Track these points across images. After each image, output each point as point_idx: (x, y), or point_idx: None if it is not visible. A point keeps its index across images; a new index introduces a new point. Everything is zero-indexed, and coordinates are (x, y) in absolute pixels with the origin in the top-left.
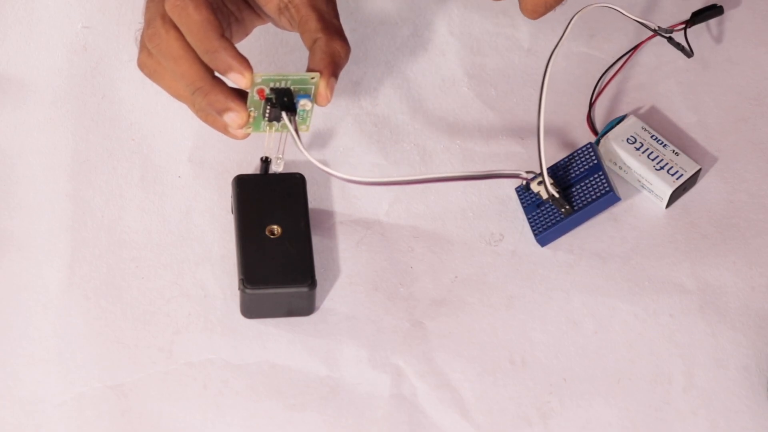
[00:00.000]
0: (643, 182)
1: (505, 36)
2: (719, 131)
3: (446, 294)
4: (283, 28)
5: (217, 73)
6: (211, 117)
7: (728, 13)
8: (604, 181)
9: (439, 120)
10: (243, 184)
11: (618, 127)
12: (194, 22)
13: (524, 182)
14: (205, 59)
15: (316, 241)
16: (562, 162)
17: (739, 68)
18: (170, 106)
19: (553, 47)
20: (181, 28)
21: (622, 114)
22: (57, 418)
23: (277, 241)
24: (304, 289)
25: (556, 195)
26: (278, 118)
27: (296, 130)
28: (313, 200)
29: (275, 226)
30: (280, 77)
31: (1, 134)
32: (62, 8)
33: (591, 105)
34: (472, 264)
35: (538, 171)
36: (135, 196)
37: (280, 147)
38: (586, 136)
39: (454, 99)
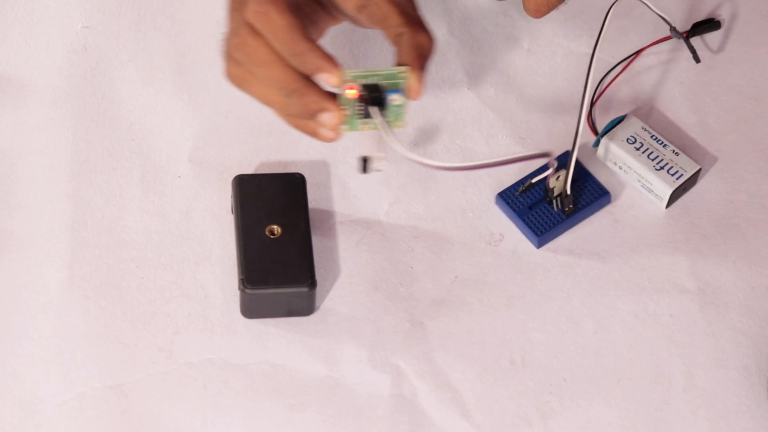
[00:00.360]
0: (643, 182)
1: (505, 36)
2: (719, 131)
3: (446, 294)
4: (362, 26)
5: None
6: (302, 121)
7: (728, 14)
8: (595, 183)
9: (439, 120)
10: (243, 184)
11: (618, 127)
12: (279, 27)
13: (546, 175)
14: (294, 62)
15: (316, 241)
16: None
17: (739, 68)
18: (170, 106)
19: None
20: (266, 35)
21: (622, 114)
22: (57, 418)
23: (277, 241)
24: (304, 289)
25: (569, 192)
26: (370, 115)
27: (387, 125)
28: (313, 200)
29: (275, 226)
30: (369, 73)
31: (1, 134)
32: (62, 8)
33: (592, 105)
34: (472, 264)
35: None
36: (135, 196)
37: (378, 145)
38: (586, 136)
39: (454, 99)
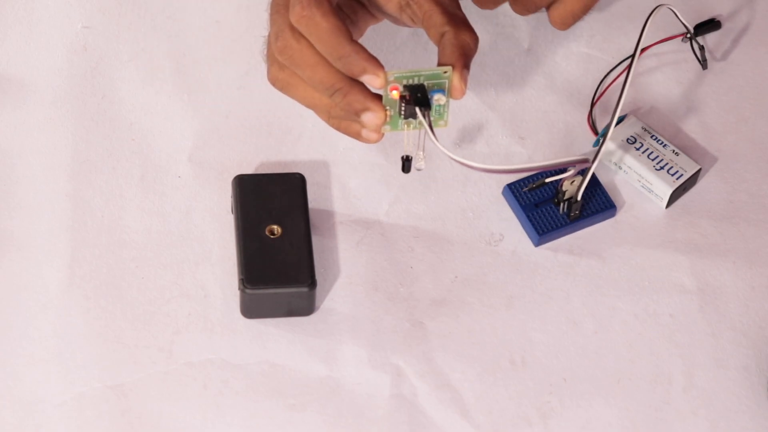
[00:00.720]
0: (643, 182)
1: (505, 36)
2: (719, 131)
3: (446, 294)
4: (404, 25)
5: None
6: (345, 123)
7: (728, 14)
8: (604, 195)
9: None
10: (243, 184)
11: (618, 127)
12: (323, 30)
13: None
14: (338, 65)
15: (316, 241)
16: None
17: (739, 68)
18: (170, 106)
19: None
20: (310, 37)
21: (622, 114)
22: (57, 418)
23: (277, 241)
24: (304, 289)
25: (579, 198)
26: (414, 115)
27: (430, 126)
28: (313, 200)
29: (275, 226)
30: (413, 74)
31: (1, 134)
32: (62, 8)
33: (592, 105)
34: (472, 264)
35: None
36: (135, 196)
37: (420, 144)
38: (586, 136)
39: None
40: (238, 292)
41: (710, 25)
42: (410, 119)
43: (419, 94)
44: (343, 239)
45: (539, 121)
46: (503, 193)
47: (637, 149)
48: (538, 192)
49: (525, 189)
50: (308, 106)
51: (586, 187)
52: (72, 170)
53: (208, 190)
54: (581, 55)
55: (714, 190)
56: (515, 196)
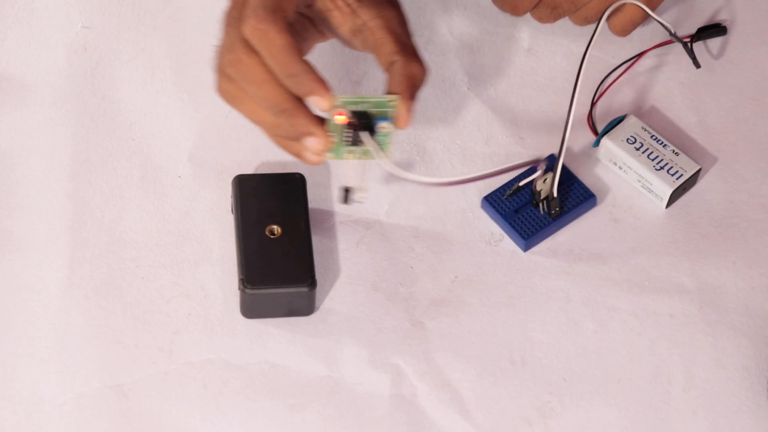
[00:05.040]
0: (643, 182)
1: (505, 36)
2: (719, 131)
3: (446, 294)
4: (354, 49)
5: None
6: (288, 142)
7: (729, 15)
8: (581, 186)
9: (439, 120)
10: (243, 184)
11: (618, 127)
12: (276, 47)
13: (533, 178)
14: (287, 83)
15: (316, 241)
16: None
17: (739, 68)
18: (170, 106)
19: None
20: (262, 52)
21: (622, 114)
22: (57, 418)
23: (277, 241)
24: (304, 289)
25: (555, 195)
26: (357, 142)
27: (377, 146)
28: (313, 200)
29: (275, 226)
30: (359, 100)
31: (1, 134)
32: (62, 8)
33: (592, 105)
34: (472, 264)
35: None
36: (135, 196)
37: (362, 176)
38: (586, 136)
39: (454, 99)
40: (238, 292)
41: (715, 30)
42: (353, 148)
43: (364, 120)
44: (343, 239)
45: (539, 121)
46: (482, 206)
47: (637, 149)
48: (516, 198)
49: (504, 197)
50: (254, 121)
51: (561, 183)
52: (72, 170)
53: (208, 190)
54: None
55: (714, 190)
56: (494, 207)
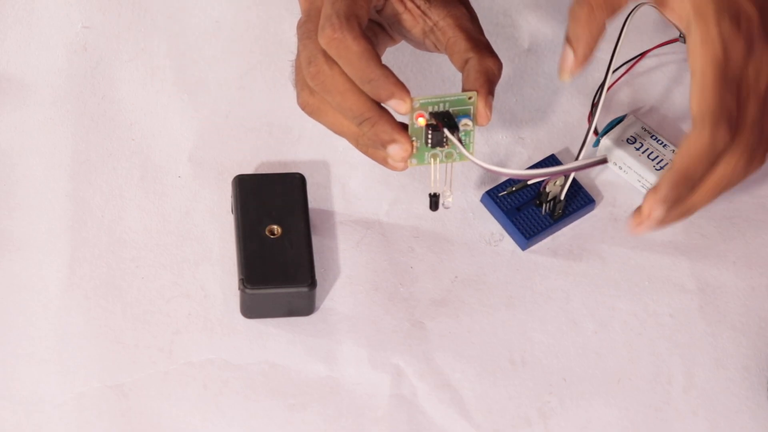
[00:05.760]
0: (643, 182)
1: (505, 36)
2: None
3: (446, 294)
4: (426, 50)
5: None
6: (373, 150)
7: None
8: (583, 191)
9: None
10: (243, 184)
11: (618, 127)
12: (354, 54)
13: (545, 181)
14: (366, 88)
15: (316, 241)
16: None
17: None
18: (170, 106)
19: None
20: (340, 60)
21: (622, 114)
22: (57, 418)
23: (277, 241)
24: (304, 289)
25: (562, 198)
26: (441, 143)
27: (460, 141)
28: (313, 200)
29: (275, 226)
30: (438, 99)
31: (1, 134)
32: (62, 8)
33: (593, 105)
34: (472, 264)
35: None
36: (135, 196)
37: (447, 180)
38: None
39: None
40: (238, 292)
41: None
42: (437, 151)
43: (446, 119)
44: (343, 239)
45: (539, 121)
46: (482, 200)
47: (637, 149)
48: (517, 195)
49: (502, 193)
50: (337, 132)
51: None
52: (72, 170)
53: (208, 190)
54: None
55: None
56: (496, 202)
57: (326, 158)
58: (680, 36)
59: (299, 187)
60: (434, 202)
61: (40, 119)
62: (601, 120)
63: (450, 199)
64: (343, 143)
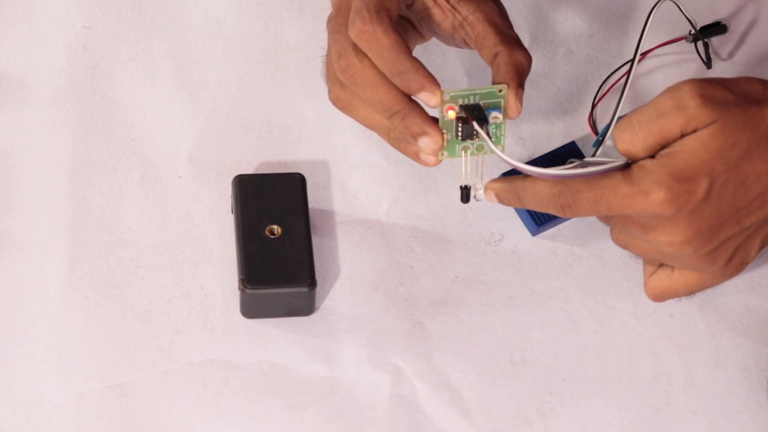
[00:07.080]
0: None
1: None
2: None
3: (446, 294)
4: (455, 46)
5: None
6: (404, 144)
7: (732, 14)
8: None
9: None
10: (243, 184)
11: None
12: (384, 46)
13: None
14: (396, 81)
15: (316, 241)
16: (546, 156)
17: (742, 69)
18: (170, 106)
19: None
20: (370, 53)
21: (622, 114)
22: (57, 418)
23: (277, 241)
24: (304, 289)
25: None
26: (471, 136)
27: (488, 134)
28: (313, 200)
29: (275, 226)
30: (468, 92)
31: (1, 134)
32: (62, 8)
33: (593, 105)
34: (472, 264)
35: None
36: (135, 196)
37: (477, 172)
38: (587, 137)
39: None
40: (238, 292)
41: (716, 28)
42: (467, 143)
43: (476, 112)
44: (343, 239)
45: (539, 121)
46: None
47: None
48: None
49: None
50: (368, 126)
51: None
52: (72, 170)
53: (208, 190)
54: (581, 55)
55: None
56: None
57: (326, 158)
58: (689, 34)
59: (299, 187)
60: (465, 194)
61: (40, 119)
62: (601, 120)
63: (481, 192)
64: (344, 143)
